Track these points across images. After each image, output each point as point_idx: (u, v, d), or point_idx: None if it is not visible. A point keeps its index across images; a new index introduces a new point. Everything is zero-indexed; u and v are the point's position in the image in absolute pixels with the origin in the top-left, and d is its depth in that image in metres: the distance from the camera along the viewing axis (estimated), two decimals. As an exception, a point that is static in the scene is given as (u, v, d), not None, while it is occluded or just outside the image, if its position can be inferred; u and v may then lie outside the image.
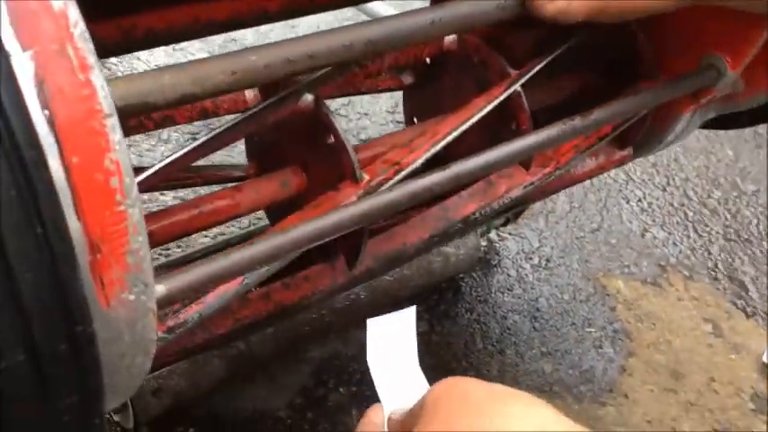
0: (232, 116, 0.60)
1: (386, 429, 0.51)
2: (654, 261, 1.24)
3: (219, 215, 0.62)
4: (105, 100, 0.30)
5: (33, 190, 0.27)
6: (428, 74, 0.79)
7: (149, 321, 0.35)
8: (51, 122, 0.28)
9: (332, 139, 0.59)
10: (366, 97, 1.37)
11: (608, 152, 0.86)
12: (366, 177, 0.57)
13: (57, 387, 0.30)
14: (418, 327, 1.06)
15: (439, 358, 1.01)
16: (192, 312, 0.52)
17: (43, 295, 0.28)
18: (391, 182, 0.56)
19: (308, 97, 0.59)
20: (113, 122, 0.30)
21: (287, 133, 0.66)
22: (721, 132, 1.56)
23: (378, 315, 1.02)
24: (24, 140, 0.27)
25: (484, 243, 1.17)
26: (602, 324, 1.11)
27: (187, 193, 1.04)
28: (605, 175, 1.37)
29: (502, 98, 0.64)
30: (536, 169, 0.73)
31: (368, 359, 0.55)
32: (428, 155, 0.60)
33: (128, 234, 0.31)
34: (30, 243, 0.27)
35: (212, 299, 0.53)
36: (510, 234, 1.22)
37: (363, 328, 1.02)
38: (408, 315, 0.58)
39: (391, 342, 0.57)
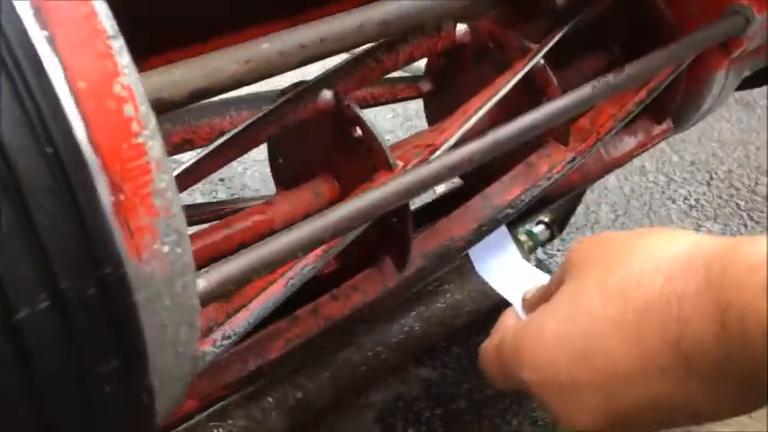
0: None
1: (521, 313, 0.54)
2: (715, 254, 1.17)
3: (253, 233, 0.58)
4: (108, 20, 0.27)
5: (38, 107, 0.24)
6: (446, 76, 0.77)
7: (189, 282, 0.31)
8: (52, 43, 0.26)
9: (359, 132, 0.56)
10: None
11: (646, 128, 0.82)
12: (400, 163, 0.54)
13: (91, 346, 0.26)
14: (474, 354, 1.00)
15: (509, 384, 0.94)
16: (240, 322, 0.48)
17: (62, 226, 0.24)
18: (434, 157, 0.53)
19: (327, 93, 0.57)
20: (120, 45, 0.27)
21: (312, 144, 0.63)
22: (753, 122, 1.52)
23: (433, 346, 0.97)
24: (24, 57, 0.25)
25: (533, 262, 1.12)
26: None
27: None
28: (645, 179, 1.33)
29: (527, 69, 0.62)
30: (575, 144, 0.69)
31: (485, 278, 0.62)
32: (460, 132, 0.57)
33: (151, 171, 0.28)
34: (41, 163, 0.24)
35: (258, 305, 0.49)
36: (558, 250, 1.17)
37: (422, 363, 0.96)
38: (501, 231, 0.64)
39: (495, 256, 0.63)
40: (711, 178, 1.34)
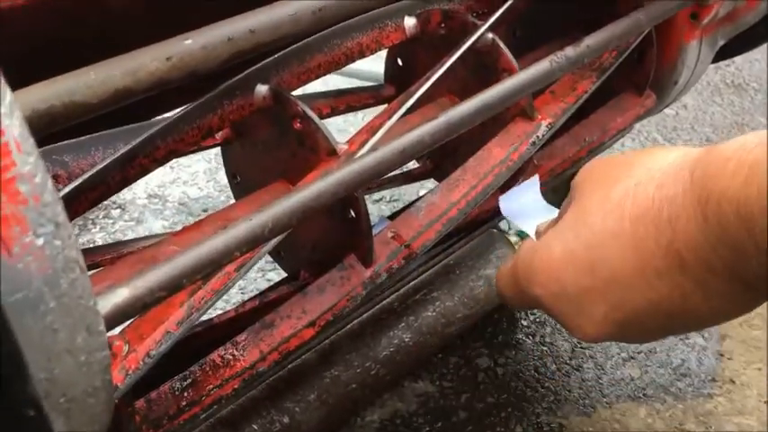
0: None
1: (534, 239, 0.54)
2: (717, 239, 1.12)
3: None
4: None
5: None
6: (405, 78, 0.74)
7: (79, 280, 0.28)
8: None
9: (298, 124, 0.53)
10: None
11: (630, 102, 0.79)
12: (346, 147, 0.51)
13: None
14: (479, 363, 0.95)
15: (510, 391, 0.90)
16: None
17: None
18: (375, 139, 0.50)
19: (262, 89, 0.54)
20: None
21: (262, 154, 0.60)
22: (747, 103, 1.48)
23: (427, 357, 0.92)
24: None
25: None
26: (681, 314, 0.99)
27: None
28: (637, 170, 1.29)
29: (470, 42, 0.59)
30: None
31: (505, 214, 0.64)
32: (406, 106, 0.54)
33: (11, 153, 0.25)
34: None
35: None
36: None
37: (417, 377, 0.92)
38: (531, 180, 0.64)
39: (521, 199, 0.64)
40: (707, 163, 1.30)
